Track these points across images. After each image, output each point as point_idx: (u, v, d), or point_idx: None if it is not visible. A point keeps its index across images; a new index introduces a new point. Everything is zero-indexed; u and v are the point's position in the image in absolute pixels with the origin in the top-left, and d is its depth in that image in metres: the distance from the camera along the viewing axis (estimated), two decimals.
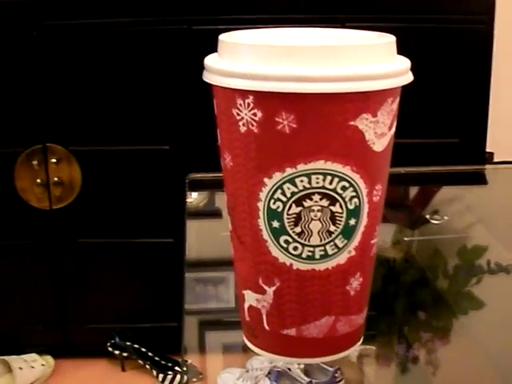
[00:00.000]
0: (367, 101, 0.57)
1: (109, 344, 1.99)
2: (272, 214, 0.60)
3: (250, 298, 0.65)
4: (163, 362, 1.91)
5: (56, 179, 1.90)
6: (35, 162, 1.88)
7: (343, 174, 0.59)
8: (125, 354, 1.98)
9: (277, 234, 0.61)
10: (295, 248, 0.61)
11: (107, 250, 1.98)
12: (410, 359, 0.76)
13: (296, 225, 0.60)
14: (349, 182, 0.59)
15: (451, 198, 1.16)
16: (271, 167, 0.59)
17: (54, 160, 1.89)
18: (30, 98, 1.83)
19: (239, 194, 0.62)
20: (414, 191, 1.24)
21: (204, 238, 0.96)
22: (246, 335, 0.68)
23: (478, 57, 1.82)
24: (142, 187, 1.92)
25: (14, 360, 1.93)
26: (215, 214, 1.09)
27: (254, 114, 0.58)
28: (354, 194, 0.60)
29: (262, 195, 0.60)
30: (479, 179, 1.29)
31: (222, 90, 0.60)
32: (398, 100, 0.61)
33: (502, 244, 0.96)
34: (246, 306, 0.66)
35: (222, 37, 0.61)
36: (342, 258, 0.62)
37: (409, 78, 0.60)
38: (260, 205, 0.60)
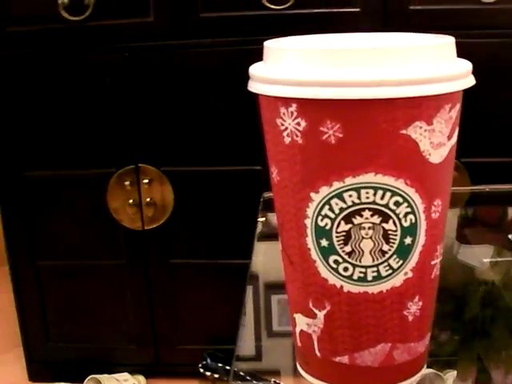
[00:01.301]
0: (420, 107, 0.52)
1: (200, 365, 1.97)
2: (320, 232, 0.56)
3: (301, 322, 0.61)
4: (255, 382, 1.88)
5: (148, 200, 1.90)
6: (127, 183, 1.88)
7: (396, 188, 0.54)
8: (216, 376, 1.95)
9: (326, 253, 0.56)
10: (345, 269, 0.56)
11: (199, 271, 1.97)
12: None
13: (346, 244, 0.55)
14: (403, 196, 0.54)
15: None
16: (317, 181, 0.54)
17: (146, 180, 1.88)
18: (123, 119, 1.83)
19: (286, 211, 0.58)
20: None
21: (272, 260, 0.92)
22: (299, 361, 0.64)
23: None
24: (234, 208, 1.90)
25: (106, 379, 1.93)
26: None
27: (298, 124, 0.53)
28: (409, 210, 0.55)
29: (309, 211, 0.56)
30: None
31: (266, 99, 0.56)
32: (458, 107, 0.55)
33: None
34: (298, 330, 0.62)
35: (267, 43, 0.57)
36: (397, 280, 0.57)
37: (469, 82, 0.55)
38: (307, 222, 0.56)
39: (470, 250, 0.96)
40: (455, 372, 0.63)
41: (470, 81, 0.55)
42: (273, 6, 1.74)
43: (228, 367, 1.94)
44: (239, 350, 0.73)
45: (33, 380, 2.08)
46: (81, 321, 2.04)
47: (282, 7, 1.74)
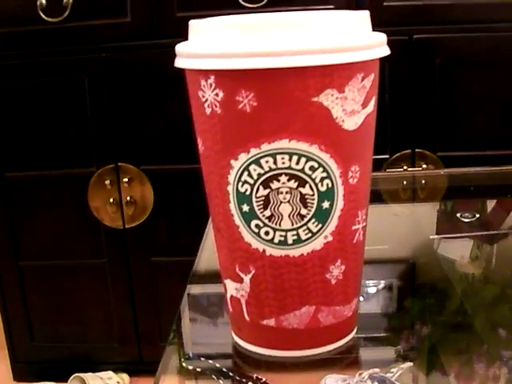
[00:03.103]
0: (331, 75, 0.55)
1: (182, 360, 1.98)
2: (241, 198, 0.58)
3: (231, 287, 0.63)
4: (238, 378, 1.89)
5: (128, 198, 1.91)
6: (108, 182, 1.90)
7: (310, 153, 0.56)
8: (198, 370, 1.97)
9: (247, 218, 0.59)
10: (267, 233, 0.59)
11: (180, 268, 1.97)
12: (491, 378, 0.73)
13: (265, 208, 0.58)
14: (318, 162, 0.57)
15: None
16: (236, 148, 0.57)
17: (126, 179, 1.90)
18: (102, 119, 1.85)
19: (211, 180, 0.61)
20: (491, 205, 1.20)
21: None
22: (232, 327, 0.67)
23: None
24: None
25: (89, 377, 1.95)
26: None
27: (217, 95, 0.56)
28: (324, 174, 0.57)
29: (231, 178, 0.58)
30: None
31: (189, 73, 0.59)
32: (372, 77, 0.58)
33: None
34: (228, 296, 0.64)
35: (191, 22, 0.60)
36: (317, 244, 0.59)
37: (380, 52, 0.57)
38: (230, 188, 0.59)
39: (450, 244, 0.97)
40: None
41: (382, 51, 0.58)
42: (248, 5, 1.76)
43: (210, 361, 1.96)
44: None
45: (17, 380, 2.09)
46: (64, 320, 2.06)
47: (256, 5, 1.77)
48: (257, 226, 0.58)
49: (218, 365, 0.75)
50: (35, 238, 1.96)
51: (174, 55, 1.68)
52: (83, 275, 1.99)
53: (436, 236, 0.98)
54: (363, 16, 0.57)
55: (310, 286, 0.60)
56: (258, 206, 0.58)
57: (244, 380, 0.72)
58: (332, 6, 1.73)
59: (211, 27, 0.56)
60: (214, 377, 0.70)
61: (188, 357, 0.78)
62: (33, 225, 1.95)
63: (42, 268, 2.00)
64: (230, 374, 1.57)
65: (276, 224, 0.58)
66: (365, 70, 0.56)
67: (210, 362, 0.73)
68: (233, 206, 0.59)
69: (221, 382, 0.69)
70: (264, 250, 0.59)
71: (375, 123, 0.61)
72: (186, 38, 1.74)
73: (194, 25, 0.59)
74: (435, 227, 1.05)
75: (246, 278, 0.61)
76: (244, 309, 0.62)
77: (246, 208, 0.58)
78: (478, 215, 0.98)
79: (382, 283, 0.84)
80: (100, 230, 1.93)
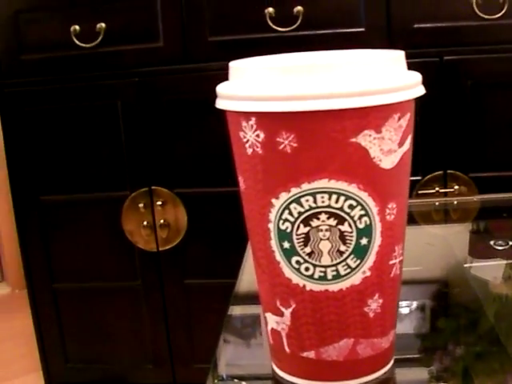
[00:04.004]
0: (367, 117, 0.56)
1: (216, 382, 2.00)
2: (282, 235, 0.60)
3: (271, 320, 0.65)
4: None
5: (162, 221, 1.94)
6: (141, 205, 1.92)
7: (349, 192, 0.58)
8: None
9: (288, 254, 0.61)
10: (307, 268, 0.60)
11: (213, 290, 2.00)
12: None
13: (306, 245, 0.60)
14: (356, 200, 0.58)
15: None
16: (277, 188, 0.59)
17: (159, 202, 1.93)
18: (135, 142, 1.88)
19: (252, 217, 0.62)
20: None
21: None
22: (273, 359, 0.68)
23: None
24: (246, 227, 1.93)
25: None
26: None
27: (258, 136, 0.58)
28: (362, 212, 0.59)
29: (272, 216, 0.60)
30: None
31: (230, 114, 0.61)
32: (408, 116, 0.59)
33: None
34: (269, 328, 0.66)
35: (232, 63, 0.62)
36: (356, 279, 0.61)
37: (417, 92, 0.59)
38: (271, 226, 0.61)
39: (483, 265, 0.97)
40: None
41: (418, 91, 0.60)
42: (279, 28, 1.79)
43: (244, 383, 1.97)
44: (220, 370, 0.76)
45: None
46: (98, 342, 2.08)
47: (288, 29, 1.79)
48: (297, 262, 0.60)
49: None
50: (69, 261, 2.00)
51: (205, 79, 1.71)
52: (117, 297, 2.01)
53: (468, 262, 0.99)
54: (399, 56, 0.59)
55: (348, 319, 0.61)
56: (299, 243, 0.59)
57: None
58: (363, 29, 1.75)
59: (251, 70, 0.58)
60: None
61: (222, 378, 0.80)
62: (67, 247, 1.99)
63: (76, 290, 2.03)
64: None
65: (316, 260, 0.60)
66: (401, 110, 0.58)
67: (244, 383, 0.75)
68: (274, 243, 0.61)
69: None
70: (304, 286, 0.61)
71: (411, 159, 0.63)
72: (217, 62, 1.76)
73: (234, 67, 0.61)
74: (467, 248, 1.05)
75: (287, 312, 0.62)
76: (284, 341, 0.64)
77: (286, 245, 0.60)
78: (511, 243, 0.99)
79: (415, 304, 0.85)
80: (134, 252, 1.96)
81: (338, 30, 1.80)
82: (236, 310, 0.88)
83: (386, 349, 0.66)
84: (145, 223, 1.95)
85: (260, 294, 0.67)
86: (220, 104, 0.61)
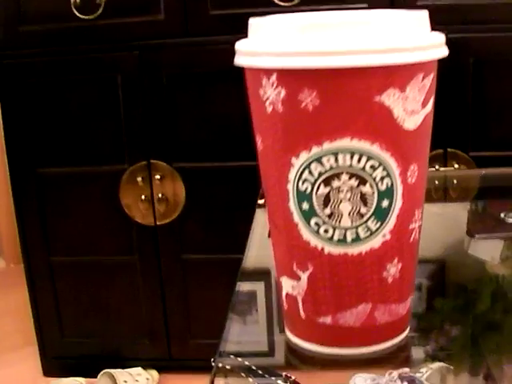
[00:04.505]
0: (392, 75, 0.55)
1: (213, 360, 1.99)
2: (301, 196, 0.59)
3: (287, 284, 0.64)
4: (267, 377, 1.89)
5: (160, 195, 1.92)
6: (140, 179, 1.91)
7: (371, 152, 0.57)
8: (227, 367, 1.97)
9: (307, 216, 0.59)
10: (326, 231, 0.59)
11: (210, 265, 1.99)
12: None
13: (325, 206, 0.58)
14: (378, 161, 0.57)
15: None
16: (297, 147, 0.57)
17: (158, 176, 1.91)
18: (134, 116, 1.86)
19: (270, 176, 0.61)
20: None
21: None
22: (286, 325, 0.67)
23: None
24: (245, 202, 1.92)
25: (119, 374, 1.96)
26: None
27: (278, 93, 0.57)
28: (384, 173, 0.58)
29: (291, 176, 0.59)
30: None
31: (249, 71, 0.60)
32: (432, 76, 0.58)
33: None
34: (284, 293, 0.65)
35: (252, 20, 0.60)
36: (376, 242, 0.59)
37: (440, 52, 0.58)
38: (289, 186, 0.59)
39: (481, 245, 0.97)
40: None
41: (442, 52, 0.58)
42: (282, 3, 1.77)
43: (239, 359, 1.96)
44: (226, 346, 0.75)
45: (47, 375, 2.11)
46: (94, 316, 2.07)
47: (290, 4, 1.77)
48: (316, 223, 0.59)
49: (246, 362, 0.76)
50: (66, 234, 1.98)
51: (206, 53, 1.67)
52: (114, 271, 2.00)
53: (466, 242, 0.98)
54: (423, 16, 0.58)
55: (367, 284, 0.60)
56: (318, 204, 0.58)
57: (273, 378, 0.73)
58: (365, 5, 1.73)
59: (273, 26, 0.57)
60: (243, 374, 0.71)
61: (220, 354, 0.78)
62: (64, 221, 1.97)
63: (72, 264, 2.02)
64: (260, 372, 1.58)
65: (336, 222, 0.58)
66: (425, 69, 0.57)
67: (239, 359, 0.73)
68: (292, 204, 0.59)
69: (250, 380, 0.70)
70: (323, 248, 0.59)
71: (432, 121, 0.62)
72: (218, 36, 1.74)
73: (254, 23, 0.59)
74: (465, 227, 1.04)
75: (304, 276, 0.61)
76: (300, 306, 0.63)
77: (305, 206, 0.59)
78: None
79: None
80: (131, 226, 1.94)
81: (340, 6, 1.78)
82: (243, 287, 0.86)
83: (403, 315, 0.65)
84: (143, 197, 1.93)
85: (275, 257, 0.66)
86: (239, 60, 0.59)
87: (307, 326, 0.63)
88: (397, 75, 0.55)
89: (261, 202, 1.04)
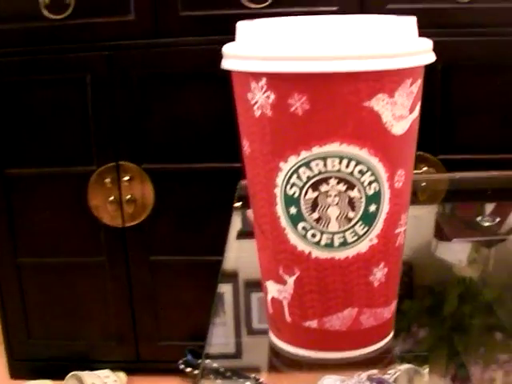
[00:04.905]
0: (382, 80, 0.55)
1: (181, 362, 1.98)
2: (289, 200, 0.59)
3: (272, 288, 0.64)
4: (235, 379, 1.89)
5: (129, 197, 1.91)
6: (108, 180, 1.90)
7: (360, 157, 0.57)
8: (196, 372, 1.97)
9: (294, 220, 0.59)
10: (313, 235, 0.59)
11: (179, 267, 1.99)
12: (487, 381, 0.74)
13: (313, 211, 0.58)
14: (367, 165, 0.57)
15: None
16: (286, 151, 0.57)
17: (126, 178, 1.90)
18: (103, 117, 1.85)
19: (257, 181, 0.61)
20: (489, 208, 1.21)
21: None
22: (271, 328, 0.67)
23: None
24: (214, 205, 1.92)
25: (87, 376, 1.94)
26: None
27: (268, 97, 0.57)
28: (372, 178, 0.58)
29: (279, 180, 0.59)
30: None
31: (237, 75, 0.59)
32: (419, 82, 0.59)
33: None
34: (269, 297, 0.65)
35: (240, 23, 0.60)
36: (363, 247, 0.60)
37: (428, 58, 0.58)
38: (277, 191, 0.59)
39: (448, 247, 0.97)
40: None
41: (430, 57, 0.59)
42: (252, 5, 1.77)
43: (208, 361, 1.95)
44: (210, 349, 0.75)
45: (14, 377, 2.09)
46: (62, 318, 2.05)
47: (261, 6, 1.77)
48: (304, 228, 0.59)
49: (215, 365, 0.76)
50: (34, 235, 1.96)
51: (176, 54, 1.66)
52: (82, 273, 1.99)
53: (434, 244, 0.98)
54: (411, 22, 0.58)
55: (353, 288, 0.61)
56: (306, 208, 0.58)
57: (241, 380, 0.73)
58: (336, 8, 1.74)
59: (262, 30, 0.57)
60: (211, 377, 0.70)
61: (189, 357, 0.78)
62: (32, 222, 1.95)
63: (40, 265, 2.00)
64: (228, 374, 1.58)
65: (323, 226, 0.58)
66: (413, 75, 0.57)
67: (208, 361, 0.73)
68: (279, 208, 0.59)
69: (218, 381, 0.69)
70: (310, 253, 0.59)
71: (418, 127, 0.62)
72: (188, 37, 1.74)
73: (242, 26, 0.59)
74: (433, 230, 1.05)
75: (290, 280, 0.61)
76: (286, 310, 0.63)
77: (293, 210, 0.59)
78: (498, 219, 0.99)
79: None
80: (99, 228, 1.93)
81: (311, 9, 1.79)
82: (224, 288, 0.86)
83: (388, 319, 0.65)
84: (111, 198, 1.92)
85: (260, 261, 0.66)
86: (227, 64, 0.59)
87: (293, 330, 0.63)
88: (386, 81, 0.55)
89: (237, 204, 1.04)
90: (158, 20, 1.81)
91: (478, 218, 0.99)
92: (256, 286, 0.81)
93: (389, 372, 0.61)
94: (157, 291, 2.01)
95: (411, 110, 0.58)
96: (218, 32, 1.78)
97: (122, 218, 1.94)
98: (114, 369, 2.03)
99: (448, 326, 0.73)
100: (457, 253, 0.94)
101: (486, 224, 0.98)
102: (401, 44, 0.56)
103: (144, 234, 1.96)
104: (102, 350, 2.06)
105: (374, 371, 0.61)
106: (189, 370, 1.96)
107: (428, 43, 0.59)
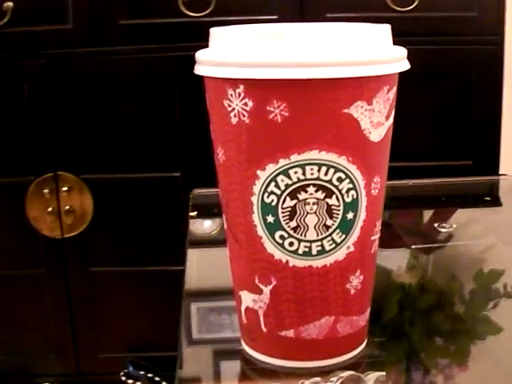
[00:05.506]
0: (361, 87, 0.55)
1: (122, 373, 1.96)
2: (266, 209, 0.58)
3: (247, 298, 0.63)
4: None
5: (67, 207, 1.88)
6: (46, 191, 1.86)
7: (339, 164, 0.57)
8: (130, 382, 1.95)
9: (272, 229, 0.58)
10: (291, 244, 0.58)
11: (119, 278, 1.96)
12: None
13: (291, 219, 0.58)
14: (345, 173, 0.57)
15: (466, 221, 1.13)
16: (264, 159, 0.57)
17: (65, 188, 1.87)
18: (41, 126, 1.82)
19: (232, 189, 0.60)
20: (428, 214, 1.22)
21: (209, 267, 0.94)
22: (244, 339, 0.66)
23: (489, 77, 1.80)
24: (154, 215, 1.91)
25: None
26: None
27: (245, 104, 0.56)
28: (350, 185, 0.58)
29: (256, 189, 0.58)
30: (494, 202, 1.27)
31: (213, 81, 0.58)
32: (394, 89, 0.59)
33: None
34: (243, 307, 0.64)
35: (214, 29, 0.60)
36: (340, 254, 0.59)
37: (405, 65, 0.58)
38: (254, 199, 0.58)
39: (387, 254, 0.98)
40: (376, 374, 0.65)
41: (406, 65, 0.59)
42: (191, 14, 1.76)
43: (150, 375, 1.94)
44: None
45: None
46: (0, 331, 2.01)
47: (200, 14, 1.76)
48: (281, 237, 0.58)
49: (150, 375, 0.76)
50: None
51: (115, 63, 1.65)
52: (20, 285, 1.95)
53: None
54: (386, 29, 0.58)
55: (330, 296, 0.60)
56: (284, 216, 0.58)
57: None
58: (276, 17, 1.74)
59: (238, 36, 0.56)
60: None
61: (130, 368, 0.77)
62: None
63: None
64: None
65: (301, 235, 0.58)
66: (390, 82, 0.57)
67: (142, 373, 0.72)
68: (256, 217, 0.59)
69: None
70: (287, 261, 0.59)
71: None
72: (127, 46, 1.72)
73: (216, 33, 0.58)
74: None
75: (266, 290, 0.60)
76: (261, 320, 0.62)
77: (270, 219, 0.58)
78: (455, 225, 1.00)
79: None
80: (38, 239, 1.90)
81: (250, 17, 1.79)
82: (190, 302, 0.85)
83: (363, 327, 0.65)
84: (49, 209, 1.89)
85: (233, 271, 0.65)
86: (202, 70, 0.58)
87: (268, 339, 0.63)
88: (365, 88, 0.55)
89: (193, 214, 1.02)
90: (97, 28, 1.78)
91: (436, 224, 1.00)
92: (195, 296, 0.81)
93: (331, 379, 0.61)
94: (96, 302, 1.98)
95: (387, 117, 0.58)
96: (157, 40, 1.77)
97: (60, 229, 1.90)
98: (53, 382, 1.99)
99: (388, 332, 0.73)
100: (395, 260, 0.95)
101: (444, 230, 0.99)
102: (379, 51, 0.56)
103: (83, 244, 1.93)
104: (41, 363, 2.02)
105: (317, 379, 0.60)
106: (130, 381, 1.94)
107: (403, 51, 0.59)
